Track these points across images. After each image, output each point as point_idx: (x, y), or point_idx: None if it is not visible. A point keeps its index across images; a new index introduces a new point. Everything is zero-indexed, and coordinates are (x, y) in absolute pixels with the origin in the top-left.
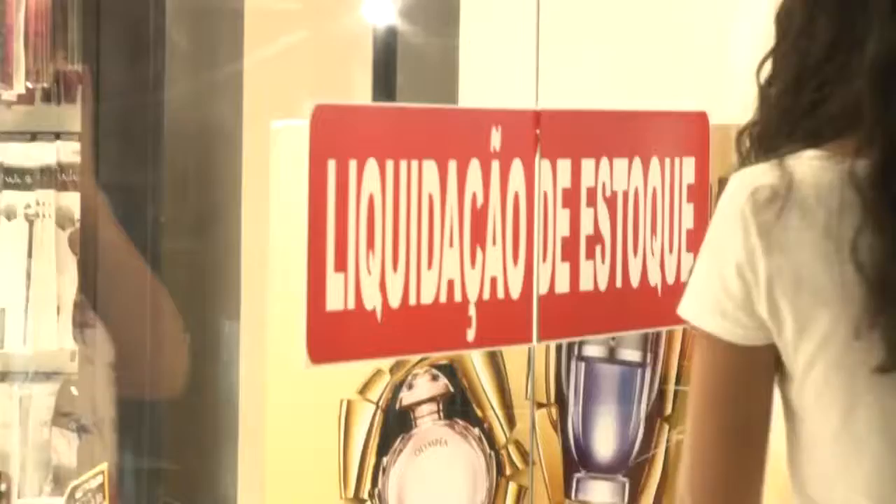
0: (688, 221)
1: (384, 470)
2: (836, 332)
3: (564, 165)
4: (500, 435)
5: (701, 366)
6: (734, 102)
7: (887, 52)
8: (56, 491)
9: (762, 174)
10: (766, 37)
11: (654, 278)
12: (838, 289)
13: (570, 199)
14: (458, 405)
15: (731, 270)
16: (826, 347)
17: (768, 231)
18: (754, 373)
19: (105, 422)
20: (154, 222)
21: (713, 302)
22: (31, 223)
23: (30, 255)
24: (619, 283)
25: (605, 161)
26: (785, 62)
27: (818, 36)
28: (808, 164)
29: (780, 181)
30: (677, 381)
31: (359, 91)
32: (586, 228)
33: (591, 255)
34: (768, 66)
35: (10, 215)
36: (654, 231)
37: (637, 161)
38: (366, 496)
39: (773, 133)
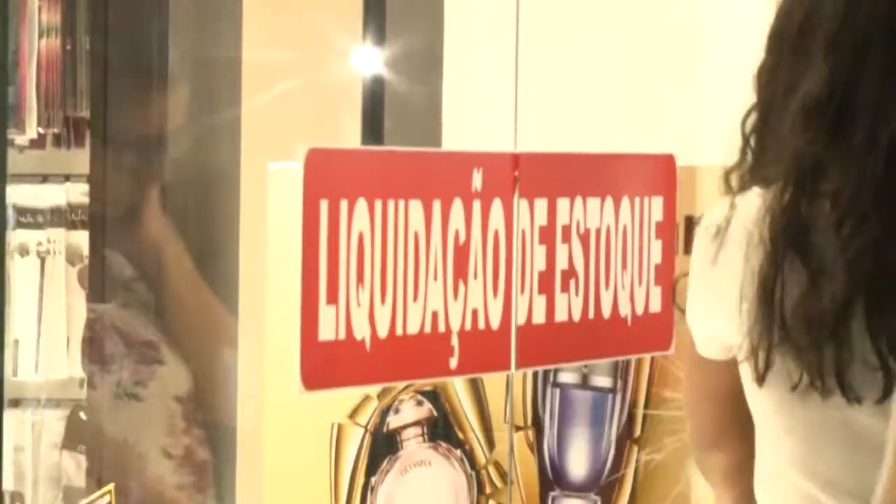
0: (656, 257)
1: (372, 489)
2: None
3: (541, 204)
4: (481, 456)
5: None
6: (700, 145)
7: (811, 92)
8: None
9: (716, 211)
10: (730, 85)
11: (625, 310)
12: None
13: (547, 236)
14: (442, 428)
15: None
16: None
17: (713, 260)
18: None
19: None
20: (157, 254)
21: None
22: (42, 260)
23: (41, 289)
24: (591, 315)
25: (579, 200)
26: (756, 111)
27: (778, 85)
28: (750, 200)
29: (723, 218)
30: (646, 406)
31: (349, 135)
32: (561, 263)
33: (565, 288)
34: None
35: (23, 252)
36: (624, 266)
37: (609, 200)
38: None
39: (746, 173)
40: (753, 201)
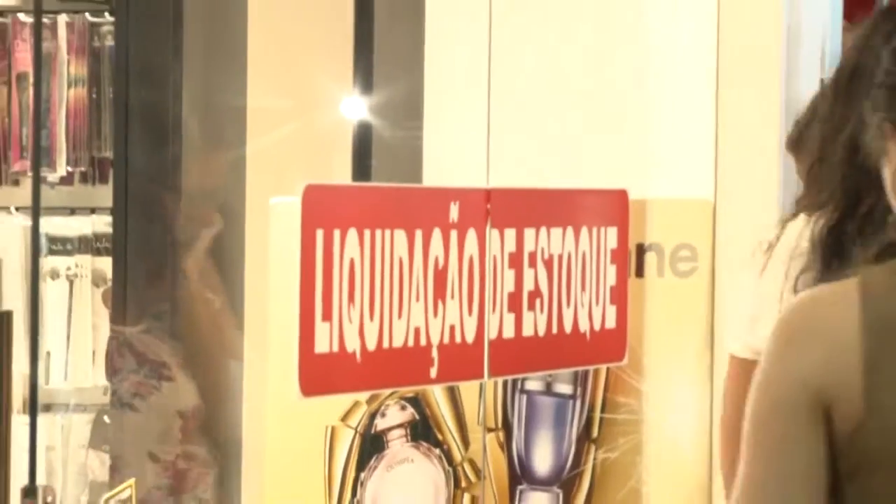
0: (611, 279)
1: (362, 483)
2: None
3: (510, 234)
4: (457, 454)
5: None
6: (650, 180)
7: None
8: (91, 502)
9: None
10: (674, 129)
11: (584, 326)
12: None
13: (515, 261)
14: (422, 430)
15: None
16: None
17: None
18: None
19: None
20: (173, 278)
21: None
22: (71, 282)
23: (70, 308)
24: (555, 330)
25: (543, 230)
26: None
27: (829, 127)
28: (797, 223)
29: (774, 236)
30: (602, 410)
31: (340, 173)
32: (528, 285)
33: (532, 307)
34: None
35: (54, 276)
36: (583, 287)
37: (570, 230)
38: None
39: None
40: (798, 225)
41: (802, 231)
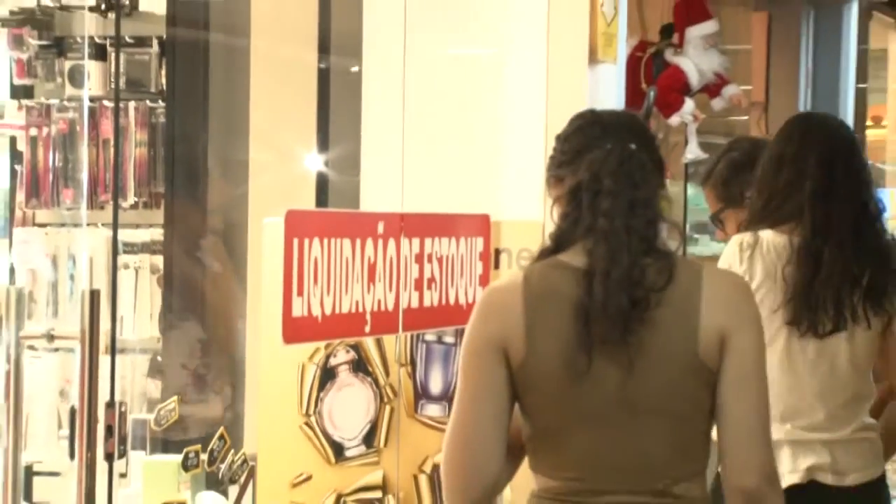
0: (479, 270)
1: (321, 399)
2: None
3: (416, 242)
4: (382, 380)
5: None
6: (502, 207)
7: (815, 189)
8: (149, 411)
9: (744, 236)
10: (519, 170)
11: (462, 300)
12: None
13: (419, 259)
14: (360, 365)
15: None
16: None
17: (750, 262)
18: None
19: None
20: (201, 268)
21: None
22: (136, 271)
23: (136, 288)
24: (444, 303)
25: (437, 239)
26: (762, 190)
27: (780, 180)
28: (768, 233)
29: (754, 240)
30: None
31: (308, 202)
32: (427, 274)
33: (429, 287)
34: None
35: (125, 267)
36: (461, 275)
37: (453, 239)
38: (312, 413)
39: (754, 221)
40: (770, 234)
41: (771, 239)
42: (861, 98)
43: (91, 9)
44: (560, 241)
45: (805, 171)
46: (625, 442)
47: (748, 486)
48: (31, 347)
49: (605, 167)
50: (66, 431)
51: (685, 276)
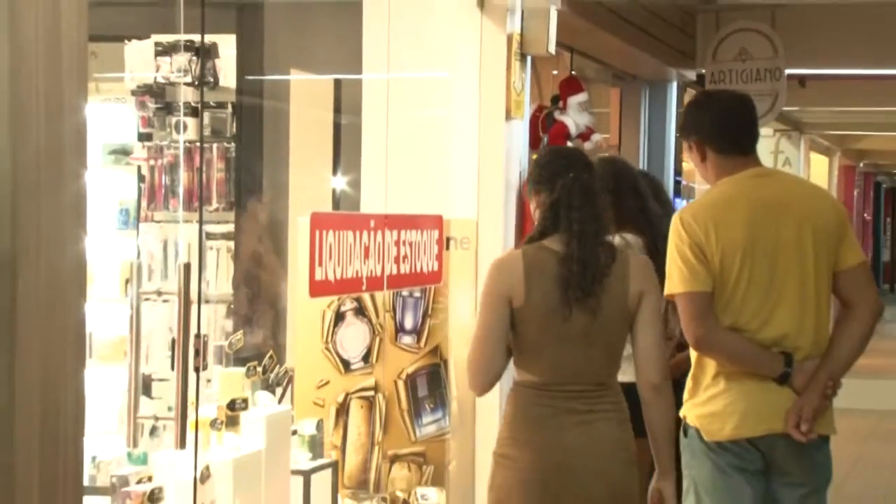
0: (436, 250)
1: (334, 333)
2: None
3: (395, 232)
4: (374, 320)
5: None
6: (453, 207)
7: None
8: (224, 339)
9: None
10: (465, 181)
11: (426, 269)
12: None
13: (397, 244)
14: (360, 311)
15: None
16: None
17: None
18: None
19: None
20: (258, 250)
21: None
22: (217, 252)
23: (217, 263)
24: (414, 271)
25: (409, 231)
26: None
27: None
28: (544, 244)
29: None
30: (432, 303)
31: (326, 207)
32: (402, 253)
33: (404, 261)
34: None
35: (210, 249)
36: (425, 254)
37: (420, 231)
38: (329, 342)
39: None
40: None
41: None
42: (679, 143)
43: (187, 84)
44: (543, 233)
45: (621, 193)
46: (581, 356)
47: (652, 380)
48: (148, 299)
49: (574, 191)
50: (170, 353)
51: (620, 258)
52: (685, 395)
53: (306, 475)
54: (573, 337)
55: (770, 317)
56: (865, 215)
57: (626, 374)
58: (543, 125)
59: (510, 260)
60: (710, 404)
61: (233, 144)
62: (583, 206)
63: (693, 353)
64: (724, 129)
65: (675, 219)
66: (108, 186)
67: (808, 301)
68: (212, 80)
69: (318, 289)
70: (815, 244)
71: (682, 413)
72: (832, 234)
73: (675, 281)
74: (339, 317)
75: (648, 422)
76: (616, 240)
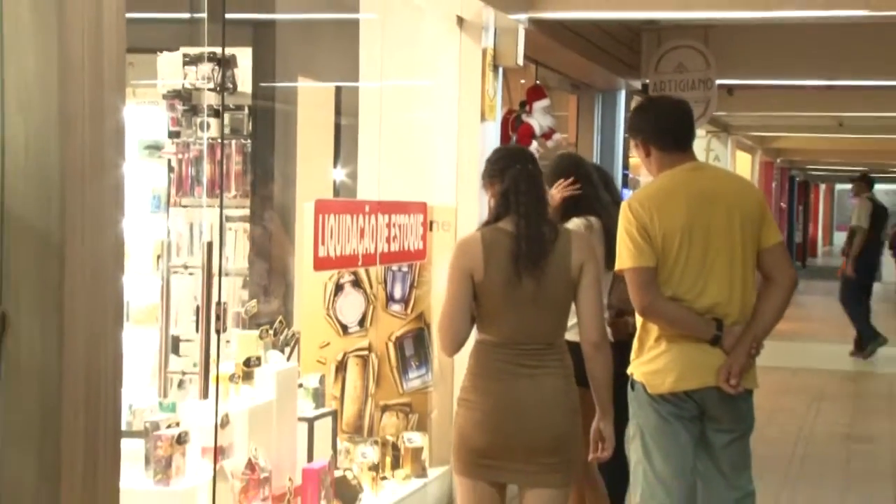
0: (421, 231)
1: (335, 301)
2: None
3: (387, 216)
4: (368, 291)
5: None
6: (434, 195)
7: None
8: (241, 306)
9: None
10: (445, 174)
11: (412, 248)
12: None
13: (388, 226)
14: (356, 282)
15: None
16: None
17: (586, 227)
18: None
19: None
20: (270, 229)
21: None
22: (235, 232)
23: (235, 242)
24: (402, 249)
25: (398, 214)
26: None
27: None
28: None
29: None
30: (418, 277)
31: (328, 195)
32: (393, 234)
33: (394, 241)
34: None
35: (229, 230)
36: (411, 234)
37: (407, 214)
38: (330, 308)
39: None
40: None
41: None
42: (627, 141)
43: (210, 89)
44: (497, 217)
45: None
46: (531, 319)
47: (593, 339)
48: (176, 272)
49: (520, 179)
50: (194, 318)
51: (562, 235)
52: (632, 356)
53: (310, 422)
54: (524, 303)
55: (704, 288)
56: (782, 204)
57: (571, 334)
58: (513, 126)
59: (471, 241)
60: (653, 363)
61: (248, 141)
62: (528, 192)
63: (639, 319)
64: (665, 129)
65: (623, 205)
66: (142, 176)
67: (736, 275)
68: (231, 86)
69: (320, 264)
70: (741, 228)
71: (629, 370)
72: (755, 219)
73: (625, 258)
74: (339, 288)
75: (590, 373)
76: (583, 222)
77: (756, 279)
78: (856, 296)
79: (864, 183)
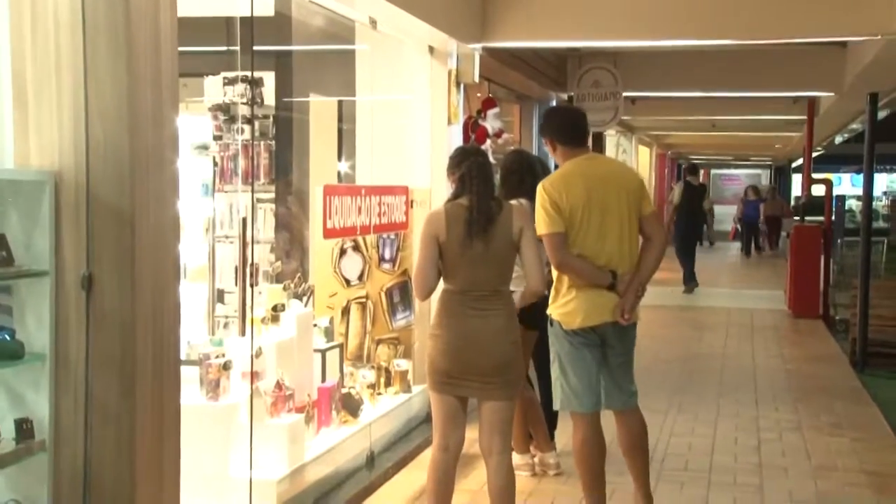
0: (403, 209)
1: (340, 261)
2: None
3: (378, 197)
4: (366, 254)
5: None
6: (414, 181)
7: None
8: (269, 266)
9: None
10: (421, 165)
11: (398, 221)
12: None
13: (380, 205)
14: (357, 247)
15: None
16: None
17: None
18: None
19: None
20: (289, 208)
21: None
22: (264, 211)
23: (264, 217)
24: (390, 222)
25: (386, 196)
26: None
27: (514, 178)
28: (458, 201)
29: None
30: (402, 242)
31: (333, 181)
32: (383, 211)
33: (384, 216)
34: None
35: (259, 209)
36: (396, 211)
37: (394, 196)
38: (336, 267)
39: (454, 196)
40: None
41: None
42: None
43: (244, 103)
44: (457, 196)
45: (523, 174)
46: (481, 272)
47: (536, 289)
48: (220, 242)
49: (473, 168)
50: (234, 275)
51: (505, 208)
52: (550, 300)
53: (323, 353)
54: (476, 260)
55: (601, 248)
56: (672, 185)
57: (518, 286)
58: (472, 128)
59: (437, 213)
60: (566, 306)
61: (273, 142)
62: (478, 176)
63: (555, 273)
64: (565, 129)
65: (539, 187)
66: (194, 169)
67: (625, 237)
68: (259, 101)
69: (328, 234)
70: (627, 201)
71: (548, 311)
72: (636, 194)
73: (542, 225)
74: (342, 251)
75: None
76: (516, 202)
77: (638, 240)
78: (682, 249)
79: (687, 172)
